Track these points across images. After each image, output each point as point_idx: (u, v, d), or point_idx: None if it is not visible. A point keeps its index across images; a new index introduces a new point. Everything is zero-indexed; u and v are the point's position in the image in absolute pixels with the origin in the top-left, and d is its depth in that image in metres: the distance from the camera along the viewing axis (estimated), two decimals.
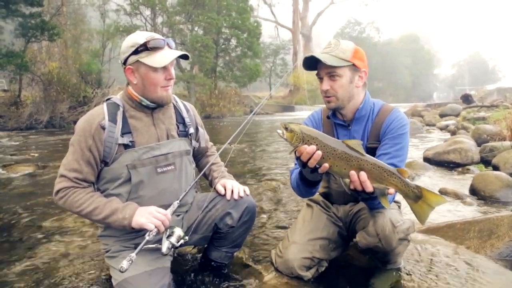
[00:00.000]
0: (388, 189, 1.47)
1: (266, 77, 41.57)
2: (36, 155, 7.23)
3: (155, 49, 1.60)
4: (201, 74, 26.10)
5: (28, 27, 15.69)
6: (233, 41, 27.96)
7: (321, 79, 1.78)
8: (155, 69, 1.60)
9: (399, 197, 1.80)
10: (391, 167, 1.51)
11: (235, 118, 23.79)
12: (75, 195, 1.58)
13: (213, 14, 24.32)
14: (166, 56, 1.60)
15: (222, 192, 1.86)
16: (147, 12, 25.48)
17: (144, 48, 1.59)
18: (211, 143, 2.15)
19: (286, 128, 1.50)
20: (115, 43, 24.23)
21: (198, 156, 2.07)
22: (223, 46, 27.69)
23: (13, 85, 17.40)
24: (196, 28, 26.50)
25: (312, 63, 1.77)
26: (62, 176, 1.60)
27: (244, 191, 1.87)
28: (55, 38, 16.67)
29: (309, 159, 1.46)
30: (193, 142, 1.91)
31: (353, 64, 1.71)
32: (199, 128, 1.98)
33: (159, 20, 25.90)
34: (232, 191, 1.84)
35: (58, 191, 1.59)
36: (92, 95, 19.11)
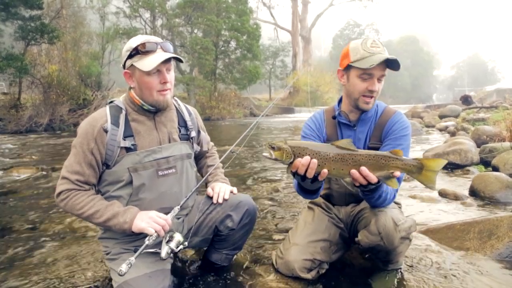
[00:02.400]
0: (392, 173, 1.47)
1: (265, 79, 41.62)
2: (36, 158, 7.23)
3: (146, 52, 1.59)
4: (200, 76, 26.15)
5: (28, 30, 15.70)
6: (233, 43, 28.02)
7: (369, 78, 1.73)
8: (148, 73, 1.60)
9: (398, 199, 1.81)
10: (385, 152, 1.52)
11: (235, 120, 23.80)
12: (76, 197, 1.59)
13: (213, 16, 24.38)
14: (155, 59, 1.59)
15: (210, 194, 1.89)
16: (147, 15, 25.54)
17: (136, 52, 1.60)
18: (211, 143, 2.16)
19: (272, 148, 1.47)
20: (114, 45, 24.27)
21: (198, 157, 2.08)
22: (222, 48, 27.75)
23: (13, 88, 17.40)
24: (195, 31, 26.57)
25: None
26: (64, 178, 1.61)
27: (231, 192, 1.90)
28: (55, 41, 16.68)
29: (306, 170, 1.46)
30: (195, 145, 1.92)
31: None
32: (201, 131, 1.99)
33: (159, 22, 25.95)
34: (218, 195, 1.86)
35: (59, 193, 1.60)
36: (92, 98, 19.13)
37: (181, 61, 1.74)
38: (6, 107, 16.27)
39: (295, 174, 1.51)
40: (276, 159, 1.48)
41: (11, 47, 16.14)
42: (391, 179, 1.49)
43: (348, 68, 1.79)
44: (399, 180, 1.57)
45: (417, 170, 1.50)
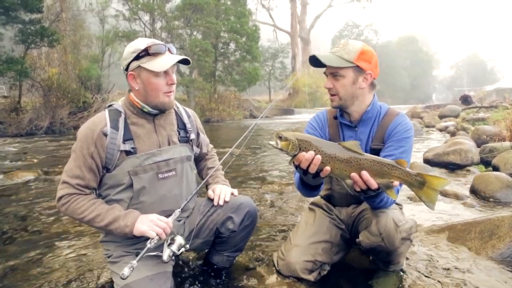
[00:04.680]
0: (392, 182, 1.47)
1: (265, 81, 41.67)
2: (37, 161, 7.23)
3: (156, 54, 1.62)
4: (200, 79, 26.15)
5: (28, 33, 15.70)
6: (232, 45, 28.01)
7: (327, 76, 1.83)
8: (156, 74, 1.61)
9: (399, 199, 1.81)
10: (390, 160, 1.52)
11: (234, 122, 23.80)
12: (77, 201, 1.59)
13: (212, 18, 24.39)
14: (167, 60, 1.61)
15: (211, 197, 1.89)
16: (146, 18, 25.54)
17: (146, 53, 1.61)
18: (211, 146, 2.16)
19: (280, 138, 1.48)
20: (114, 48, 24.27)
21: (198, 159, 2.08)
22: (222, 50, 27.75)
23: (13, 91, 17.38)
24: (195, 33, 26.56)
25: (319, 61, 1.79)
26: (64, 182, 1.61)
27: (232, 194, 1.90)
28: (55, 44, 16.68)
29: (309, 165, 1.46)
30: (194, 148, 1.92)
31: (358, 66, 1.73)
32: (200, 133, 2.00)
33: (158, 25, 25.95)
34: (219, 197, 1.86)
35: (60, 198, 1.60)
36: (92, 101, 19.13)
37: (189, 63, 1.74)
38: (7, 110, 16.23)
39: (297, 167, 1.51)
40: (281, 149, 1.48)
41: (11, 50, 16.14)
42: (390, 189, 1.49)
43: None
44: (397, 191, 1.57)
45: (419, 184, 1.49)
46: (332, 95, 1.81)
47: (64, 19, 20.00)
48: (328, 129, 1.96)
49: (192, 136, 1.90)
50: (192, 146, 1.90)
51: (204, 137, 2.04)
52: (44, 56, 19.18)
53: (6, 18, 15.28)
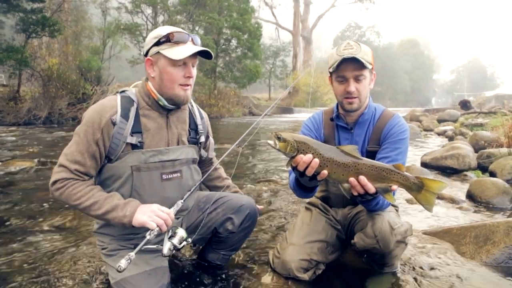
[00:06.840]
0: (391, 186, 1.47)
1: (265, 79, 41.60)
2: (34, 150, 7.21)
3: (177, 42, 1.53)
4: (200, 74, 26.09)
5: (29, 22, 15.62)
6: (234, 42, 27.95)
7: (344, 80, 1.77)
8: (174, 63, 1.53)
9: (396, 201, 1.81)
10: (388, 164, 1.51)
11: (234, 119, 23.78)
12: (74, 187, 1.48)
13: (214, 14, 24.33)
14: (186, 49, 1.52)
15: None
16: (149, 11, 25.46)
17: (167, 39, 1.53)
18: (214, 153, 2.08)
19: (278, 138, 1.45)
20: (115, 40, 24.19)
21: (201, 165, 1.97)
22: (223, 47, 27.69)
23: (12, 80, 17.31)
24: (197, 28, 26.50)
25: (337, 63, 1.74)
26: (62, 166, 1.49)
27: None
28: (56, 34, 16.61)
29: (306, 168, 1.45)
30: (202, 151, 1.86)
31: (372, 67, 1.76)
32: (210, 137, 1.94)
33: (160, 19, 25.87)
34: None
35: (55, 181, 1.48)
36: (91, 92, 19.06)
37: (211, 57, 1.61)
38: (5, 99, 16.16)
39: (294, 168, 1.50)
40: (279, 150, 1.46)
41: (12, 39, 16.09)
42: (388, 193, 1.49)
43: (330, 74, 1.84)
44: (393, 193, 1.57)
45: (417, 188, 1.49)
46: (353, 98, 1.76)
47: (66, 9, 19.93)
48: (323, 131, 1.96)
49: (202, 138, 1.83)
50: (200, 148, 1.83)
51: (212, 141, 1.97)
52: (45, 46, 19.10)
53: (8, 6, 15.18)
